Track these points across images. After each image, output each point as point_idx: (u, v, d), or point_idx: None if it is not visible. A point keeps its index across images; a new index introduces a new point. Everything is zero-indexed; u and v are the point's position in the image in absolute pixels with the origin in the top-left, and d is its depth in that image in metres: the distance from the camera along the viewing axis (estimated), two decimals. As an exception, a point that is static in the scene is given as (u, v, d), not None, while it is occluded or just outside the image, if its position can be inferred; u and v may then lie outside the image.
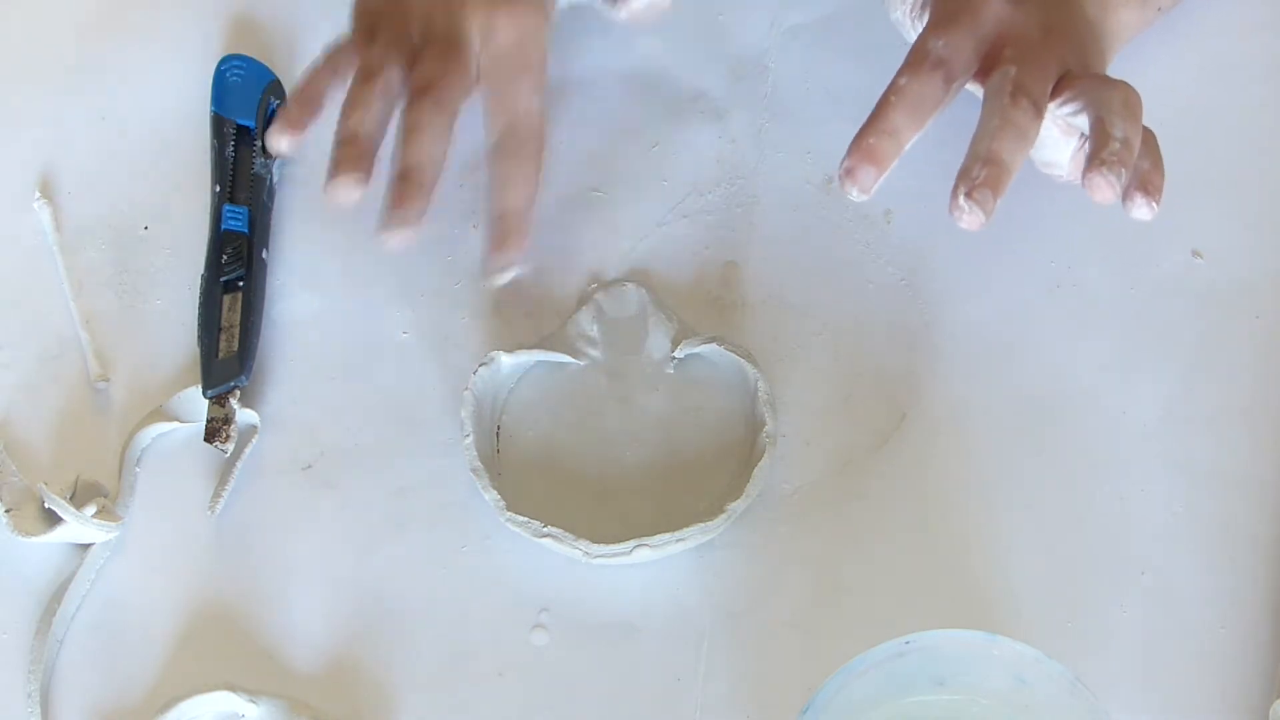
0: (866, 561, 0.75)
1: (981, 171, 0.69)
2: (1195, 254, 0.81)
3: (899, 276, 0.81)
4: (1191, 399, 0.78)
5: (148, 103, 0.87)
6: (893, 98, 0.71)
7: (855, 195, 0.71)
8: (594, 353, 0.79)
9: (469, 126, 0.77)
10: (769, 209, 0.83)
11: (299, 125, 0.77)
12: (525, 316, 0.80)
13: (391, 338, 0.81)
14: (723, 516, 0.74)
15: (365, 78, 0.77)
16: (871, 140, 0.71)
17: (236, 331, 0.80)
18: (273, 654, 0.74)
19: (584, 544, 0.74)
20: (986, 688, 0.67)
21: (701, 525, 0.74)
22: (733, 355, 0.78)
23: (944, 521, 0.76)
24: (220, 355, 0.79)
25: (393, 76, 0.77)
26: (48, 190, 0.85)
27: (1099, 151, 0.69)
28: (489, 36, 0.77)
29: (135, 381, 0.80)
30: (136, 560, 0.77)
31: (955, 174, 0.69)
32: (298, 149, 0.77)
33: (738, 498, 0.74)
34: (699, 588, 0.75)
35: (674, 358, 0.79)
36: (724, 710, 0.72)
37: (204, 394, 0.78)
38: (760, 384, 0.77)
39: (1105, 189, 0.69)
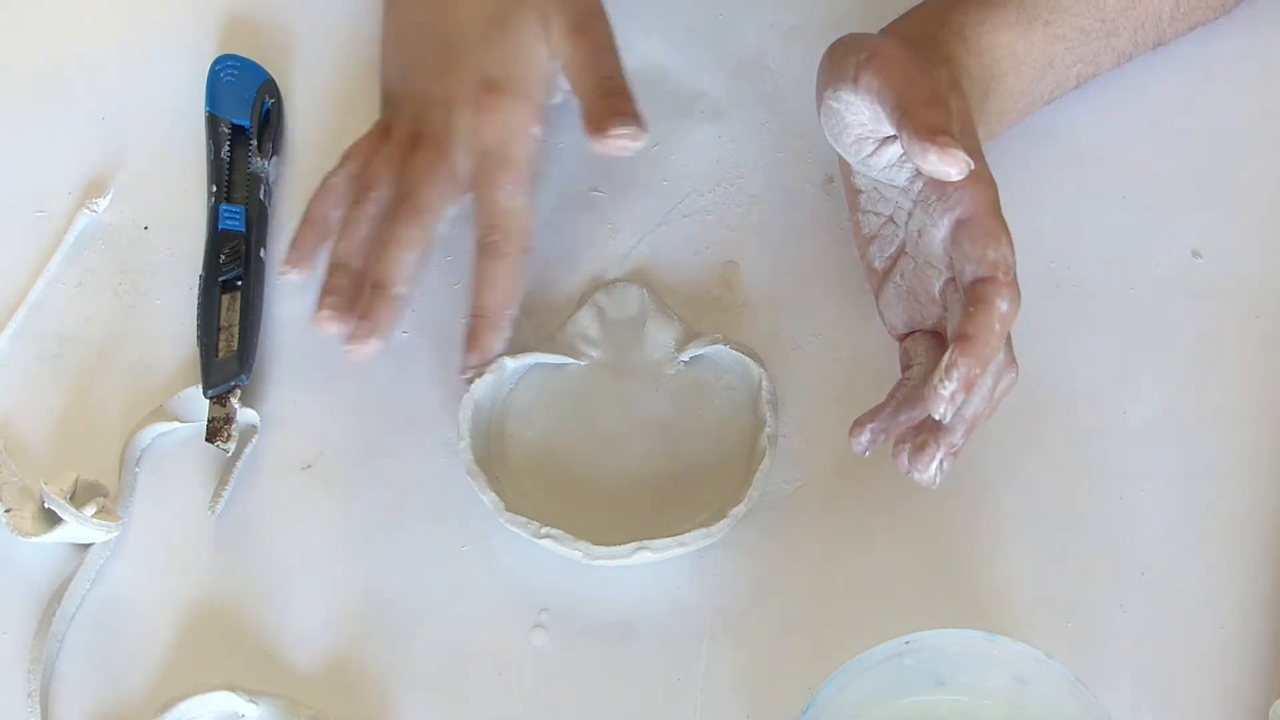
0: (866, 561, 0.75)
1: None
2: (1195, 254, 0.81)
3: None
4: (1191, 399, 0.78)
5: (146, 103, 0.87)
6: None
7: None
8: (594, 353, 0.79)
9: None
10: (769, 209, 0.83)
11: (307, 258, 0.78)
12: (525, 316, 0.80)
13: (391, 338, 0.81)
14: (725, 521, 0.74)
15: (360, 196, 0.78)
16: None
17: (236, 331, 0.80)
18: (273, 654, 0.74)
19: (584, 545, 0.74)
20: (986, 688, 0.67)
21: (704, 530, 0.74)
22: (737, 355, 0.78)
23: (944, 521, 0.76)
24: (220, 355, 0.79)
25: (384, 191, 0.78)
26: (48, 190, 0.85)
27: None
28: (475, 136, 0.78)
29: (135, 381, 0.80)
30: (136, 560, 0.77)
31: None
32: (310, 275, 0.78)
33: (739, 500, 0.74)
34: (699, 588, 0.75)
35: (680, 360, 0.79)
36: (724, 710, 0.72)
37: (204, 394, 0.78)
38: (765, 383, 0.77)
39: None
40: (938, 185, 0.72)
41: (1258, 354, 0.79)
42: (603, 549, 0.74)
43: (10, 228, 0.84)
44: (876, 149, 0.74)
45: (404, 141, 0.79)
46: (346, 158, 0.80)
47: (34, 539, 0.75)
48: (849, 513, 0.76)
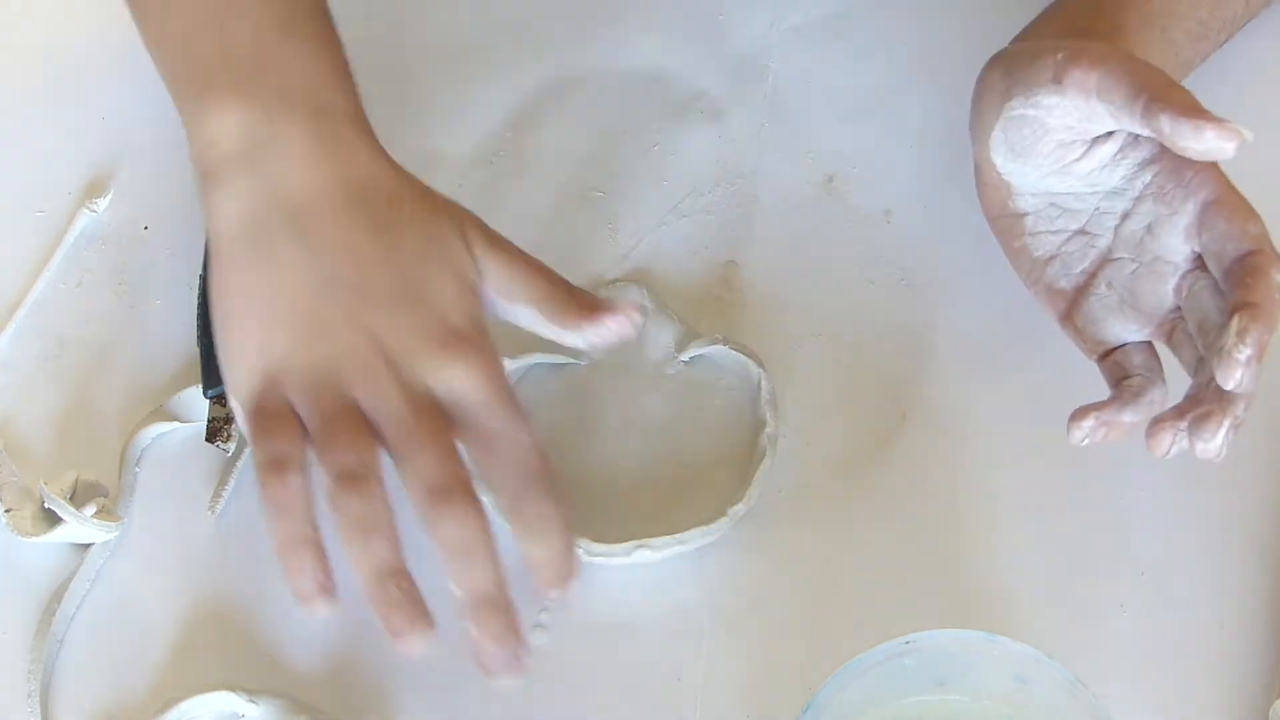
0: (866, 561, 0.75)
1: None
2: (1195, 254, 0.81)
3: (899, 276, 0.81)
4: (1191, 399, 0.78)
5: (146, 103, 0.87)
6: None
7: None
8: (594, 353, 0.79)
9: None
10: (769, 209, 0.83)
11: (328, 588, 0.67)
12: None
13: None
14: (724, 520, 0.74)
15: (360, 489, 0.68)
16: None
17: (236, 331, 0.80)
18: (273, 654, 0.74)
19: (583, 544, 0.74)
20: (986, 688, 0.67)
21: (702, 528, 0.74)
22: (737, 355, 0.78)
23: (944, 521, 0.76)
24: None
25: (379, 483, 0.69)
26: (48, 190, 0.85)
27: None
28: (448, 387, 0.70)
29: (135, 381, 0.80)
30: (136, 560, 0.76)
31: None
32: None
33: (739, 500, 0.74)
34: (699, 588, 0.75)
35: (680, 360, 0.79)
36: (724, 710, 0.72)
37: (204, 394, 0.78)
38: (764, 383, 0.77)
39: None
40: (1175, 172, 0.69)
41: (1258, 354, 0.79)
42: (602, 548, 0.74)
43: (10, 228, 0.84)
44: (1085, 152, 0.71)
45: (337, 417, 0.68)
46: (277, 468, 0.66)
47: (34, 539, 0.75)
48: (849, 513, 0.76)
